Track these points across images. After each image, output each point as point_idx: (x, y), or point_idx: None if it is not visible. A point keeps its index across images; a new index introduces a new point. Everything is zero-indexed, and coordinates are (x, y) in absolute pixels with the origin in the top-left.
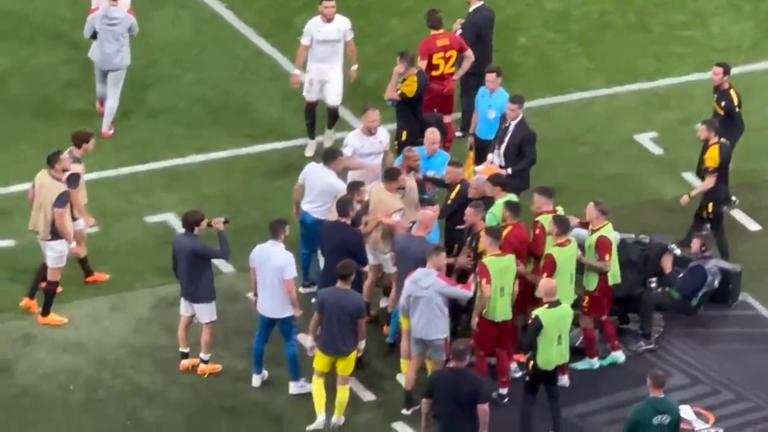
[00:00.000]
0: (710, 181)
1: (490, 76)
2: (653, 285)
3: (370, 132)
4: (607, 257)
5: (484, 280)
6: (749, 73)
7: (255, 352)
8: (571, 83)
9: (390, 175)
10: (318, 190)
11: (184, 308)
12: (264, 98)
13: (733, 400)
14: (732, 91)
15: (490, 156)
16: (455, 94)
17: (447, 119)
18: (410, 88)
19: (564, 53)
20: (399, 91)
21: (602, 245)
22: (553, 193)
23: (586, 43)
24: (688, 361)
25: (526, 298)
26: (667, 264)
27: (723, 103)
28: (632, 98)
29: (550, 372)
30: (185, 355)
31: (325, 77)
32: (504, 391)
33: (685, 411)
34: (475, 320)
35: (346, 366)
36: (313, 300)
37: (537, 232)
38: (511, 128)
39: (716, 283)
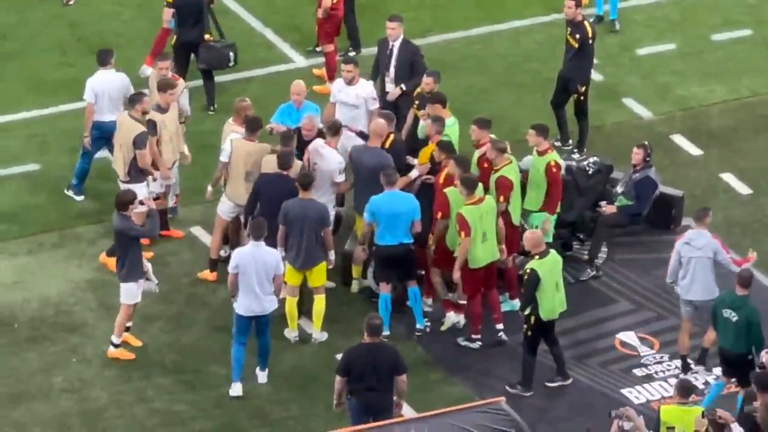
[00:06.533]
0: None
1: None
2: (603, 208)
3: None
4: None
5: (463, 233)
6: None
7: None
8: (510, 12)
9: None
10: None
11: None
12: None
13: (678, 326)
14: (586, 23)
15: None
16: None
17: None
18: None
19: None
20: None
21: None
22: (490, 124)
23: None
24: (632, 287)
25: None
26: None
27: (578, 36)
28: None
29: (551, 322)
30: None
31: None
32: (500, 326)
33: (630, 337)
34: (456, 274)
35: (317, 277)
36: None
37: (485, 165)
38: (396, 49)
39: (659, 189)
